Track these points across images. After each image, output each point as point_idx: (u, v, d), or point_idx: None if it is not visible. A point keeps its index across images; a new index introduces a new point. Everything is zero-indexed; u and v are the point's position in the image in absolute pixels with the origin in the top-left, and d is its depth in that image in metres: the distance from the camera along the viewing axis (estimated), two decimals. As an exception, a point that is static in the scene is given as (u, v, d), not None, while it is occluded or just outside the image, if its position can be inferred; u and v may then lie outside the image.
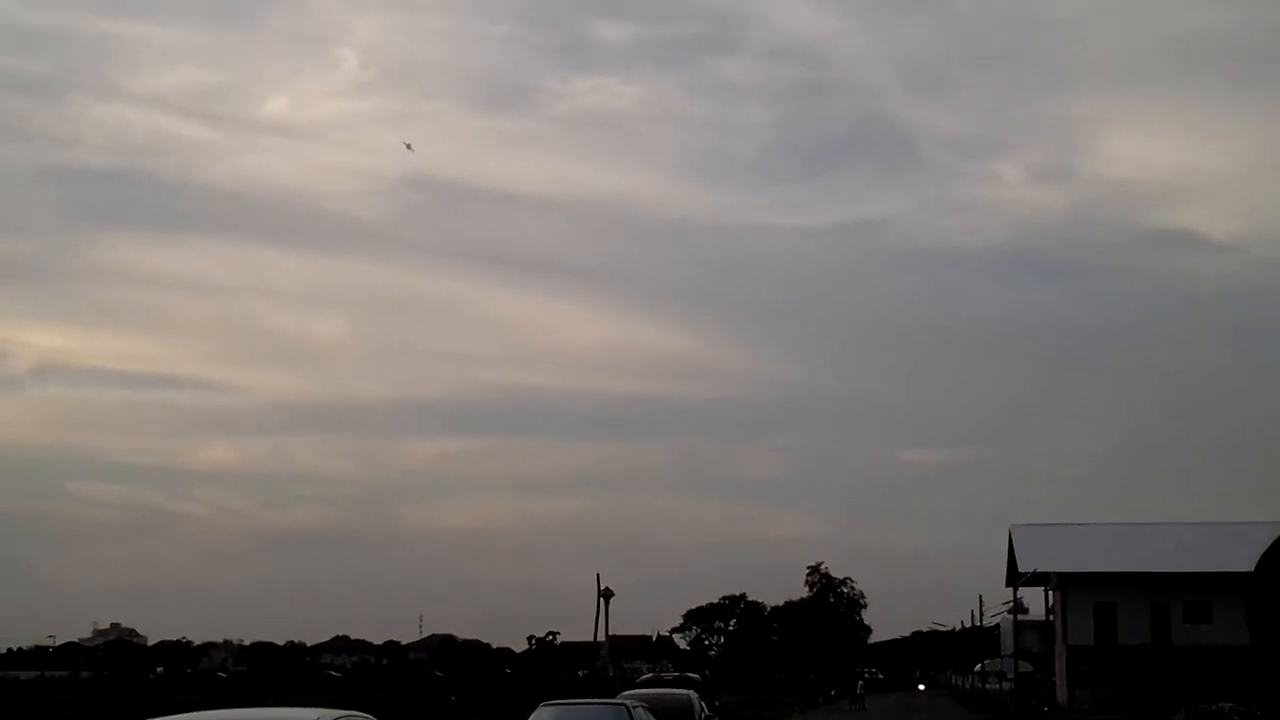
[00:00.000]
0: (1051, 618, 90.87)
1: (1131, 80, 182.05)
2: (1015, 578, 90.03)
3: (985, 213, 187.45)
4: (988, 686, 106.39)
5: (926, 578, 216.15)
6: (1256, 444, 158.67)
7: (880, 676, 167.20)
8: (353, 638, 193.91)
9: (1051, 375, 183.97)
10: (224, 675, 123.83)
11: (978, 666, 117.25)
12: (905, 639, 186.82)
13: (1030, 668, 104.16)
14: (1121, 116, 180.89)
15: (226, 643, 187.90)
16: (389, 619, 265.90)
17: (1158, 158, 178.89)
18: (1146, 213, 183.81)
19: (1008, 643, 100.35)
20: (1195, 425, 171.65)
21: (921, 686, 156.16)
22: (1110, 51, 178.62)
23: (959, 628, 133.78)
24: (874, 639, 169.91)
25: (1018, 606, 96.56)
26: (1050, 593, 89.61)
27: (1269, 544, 58.75)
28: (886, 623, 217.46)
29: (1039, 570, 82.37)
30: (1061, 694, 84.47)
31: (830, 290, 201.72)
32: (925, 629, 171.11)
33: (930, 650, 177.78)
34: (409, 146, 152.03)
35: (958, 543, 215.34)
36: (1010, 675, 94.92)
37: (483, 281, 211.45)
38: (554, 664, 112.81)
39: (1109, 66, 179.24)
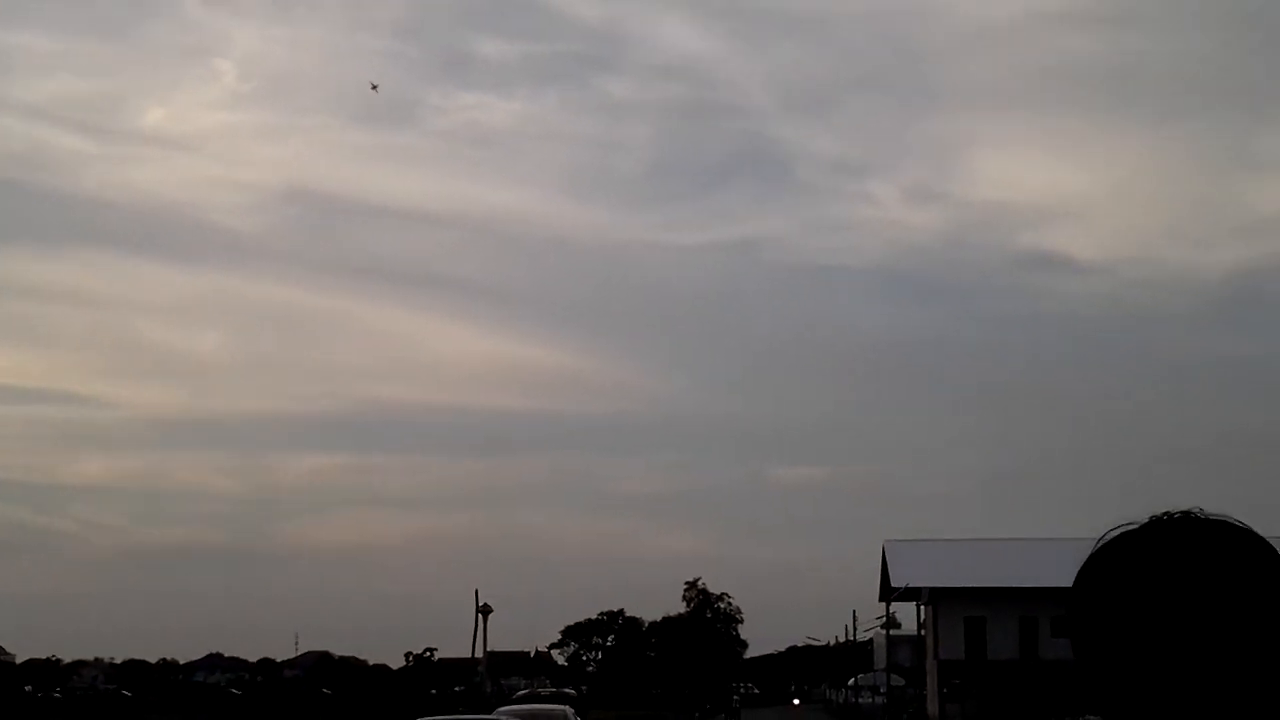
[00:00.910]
0: (923, 632, 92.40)
1: (1004, 105, 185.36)
2: (888, 593, 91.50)
3: (863, 233, 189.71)
4: (861, 700, 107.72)
5: (802, 593, 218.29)
6: (1125, 460, 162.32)
7: (756, 691, 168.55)
8: (226, 655, 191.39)
9: (927, 394, 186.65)
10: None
11: (851, 680, 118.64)
12: (781, 654, 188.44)
13: (902, 681, 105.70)
14: (994, 140, 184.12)
15: (97, 660, 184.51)
16: (264, 636, 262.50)
17: (1029, 181, 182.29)
18: (1018, 235, 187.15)
19: (880, 657, 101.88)
20: (1068, 443, 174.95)
21: (796, 701, 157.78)
22: (983, 76, 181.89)
23: (833, 642, 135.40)
24: (750, 654, 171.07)
25: (890, 621, 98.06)
26: (922, 607, 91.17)
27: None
28: (763, 638, 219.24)
29: (911, 585, 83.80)
30: (932, 707, 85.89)
31: (710, 308, 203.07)
32: (800, 644, 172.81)
33: (805, 665, 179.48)
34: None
35: (833, 559, 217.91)
36: (883, 689, 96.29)
37: (363, 296, 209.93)
38: (431, 680, 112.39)
39: (982, 91, 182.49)
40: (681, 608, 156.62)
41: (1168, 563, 1.85)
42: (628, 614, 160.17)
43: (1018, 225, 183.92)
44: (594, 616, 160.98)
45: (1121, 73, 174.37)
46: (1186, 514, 1.90)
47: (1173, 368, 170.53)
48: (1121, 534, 1.91)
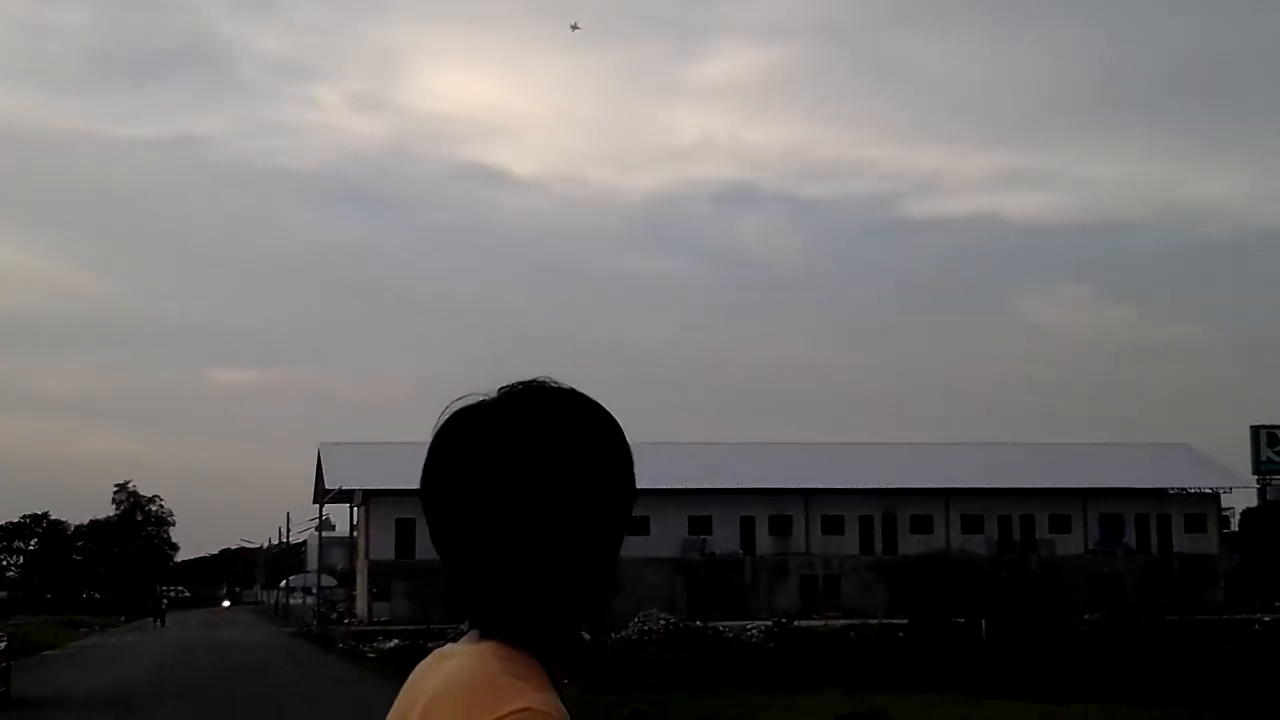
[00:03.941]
0: (355, 534, 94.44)
1: (447, 15, 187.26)
2: (322, 495, 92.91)
3: (305, 137, 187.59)
4: (292, 601, 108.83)
5: (238, 496, 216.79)
6: (550, 369, 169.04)
7: (186, 594, 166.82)
8: None
9: (364, 300, 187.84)
10: None
11: (283, 582, 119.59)
12: (214, 556, 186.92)
13: (334, 582, 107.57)
14: (437, 50, 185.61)
15: None
16: None
17: (470, 95, 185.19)
18: (459, 148, 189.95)
19: (313, 558, 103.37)
20: (499, 351, 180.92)
21: (226, 603, 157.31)
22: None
23: (267, 545, 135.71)
24: (183, 557, 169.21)
25: (324, 523, 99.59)
26: (355, 509, 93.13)
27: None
28: (196, 541, 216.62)
29: (345, 488, 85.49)
30: (362, 607, 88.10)
31: (146, 205, 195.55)
32: (234, 546, 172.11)
33: (239, 567, 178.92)
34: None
35: (270, 461, 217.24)
36: (315, 590, 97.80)
37: None
38: None
39: (425, 1, 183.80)
40: (111, 511, 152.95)
41: (516, 429, 1.91)
42: (53, 518, 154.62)
43: (459, 138, 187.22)
44: (15, 520, 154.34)
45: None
46: (534, 384, 1.97)
47: (597, 283, 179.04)
48: (474, 404, 1.96)
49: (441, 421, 1.98)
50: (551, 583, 1.89)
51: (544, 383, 1.97)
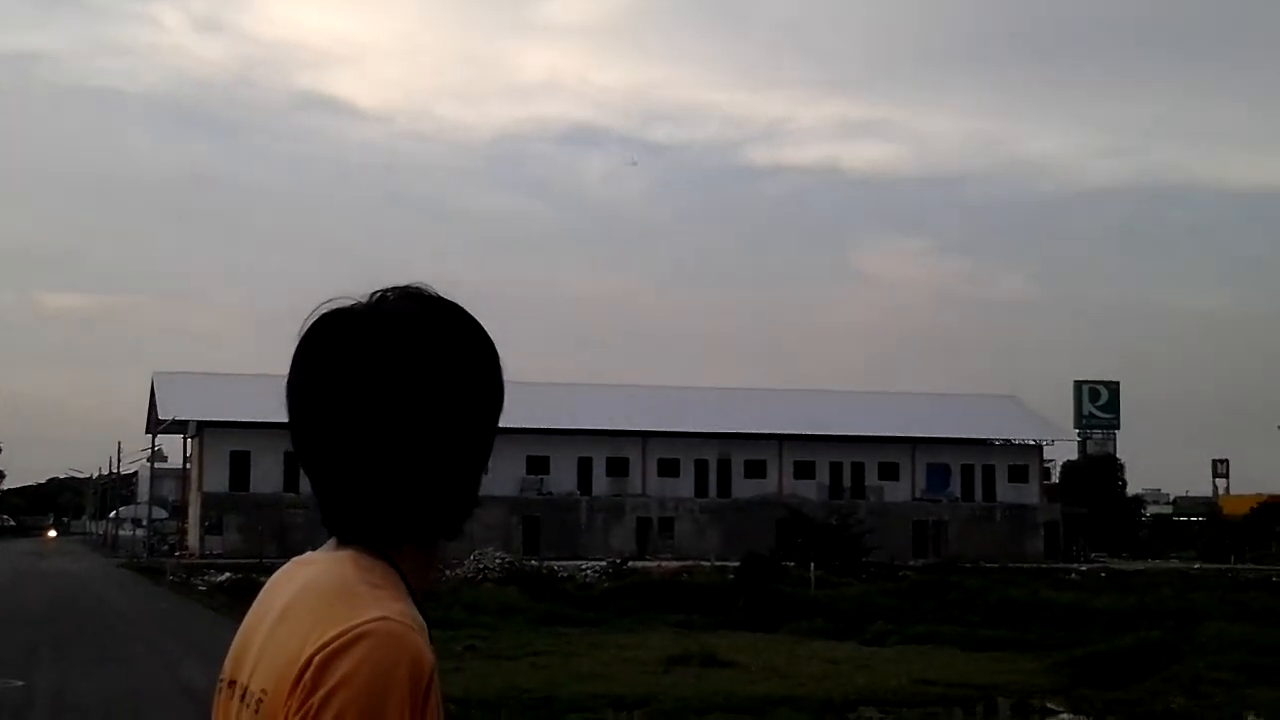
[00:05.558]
0: (189, 465, 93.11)
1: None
2: (155, 425, 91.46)
3: (146, 58, 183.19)
4: (122, 533, 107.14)
5: (68, 424, 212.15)
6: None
7: (11, 523, 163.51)
8: None
9: (202, 228, 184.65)
10: None
11: (113, 513, 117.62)
12: (42, 485, 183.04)
13: (166, 514, 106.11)
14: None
15: None
16: None
17: (316, 22, 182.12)
18: (302, 76, 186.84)
19: (144, 489, 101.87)
20: (336, 284, 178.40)
21: (53, 533, 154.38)
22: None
23: (97, 475, 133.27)
24: (8, 485, 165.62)
25: (157, 454, 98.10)
26: (189, 440, 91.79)
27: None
28: (23, 469, 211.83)
29: (179, 418, 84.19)
30: (194, 539, 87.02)
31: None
32: (63, 475, 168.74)
33: (67, 497, 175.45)
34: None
35: (102, 390, 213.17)
36: (145, 521, 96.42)
37: None
38: None
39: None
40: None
41: (388, 333, 1.87)
42: None
43: (302, 66, 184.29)
44: None
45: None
46: (408, 289, 1.93)
47: (439, 218, 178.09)
48: (345, 306, 1.92)
49: (310, 323, 1.91)
50: (415, 491, 1.87)
51: (419, 288, 1.94)
